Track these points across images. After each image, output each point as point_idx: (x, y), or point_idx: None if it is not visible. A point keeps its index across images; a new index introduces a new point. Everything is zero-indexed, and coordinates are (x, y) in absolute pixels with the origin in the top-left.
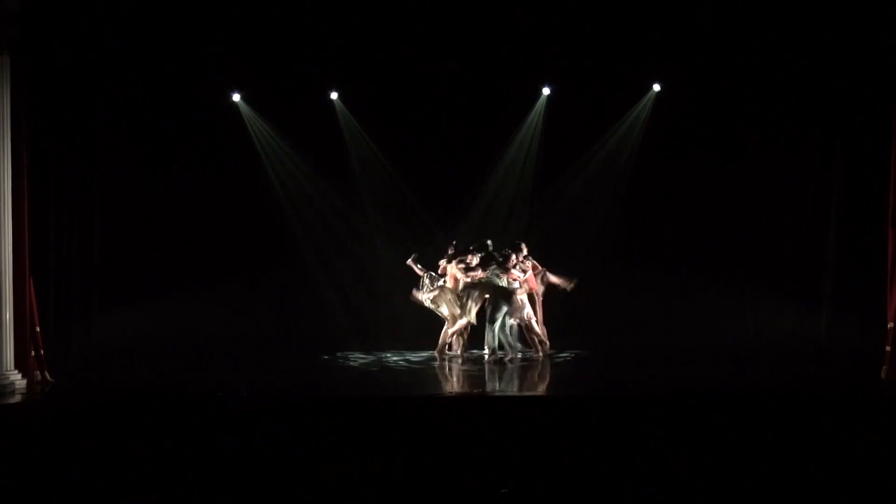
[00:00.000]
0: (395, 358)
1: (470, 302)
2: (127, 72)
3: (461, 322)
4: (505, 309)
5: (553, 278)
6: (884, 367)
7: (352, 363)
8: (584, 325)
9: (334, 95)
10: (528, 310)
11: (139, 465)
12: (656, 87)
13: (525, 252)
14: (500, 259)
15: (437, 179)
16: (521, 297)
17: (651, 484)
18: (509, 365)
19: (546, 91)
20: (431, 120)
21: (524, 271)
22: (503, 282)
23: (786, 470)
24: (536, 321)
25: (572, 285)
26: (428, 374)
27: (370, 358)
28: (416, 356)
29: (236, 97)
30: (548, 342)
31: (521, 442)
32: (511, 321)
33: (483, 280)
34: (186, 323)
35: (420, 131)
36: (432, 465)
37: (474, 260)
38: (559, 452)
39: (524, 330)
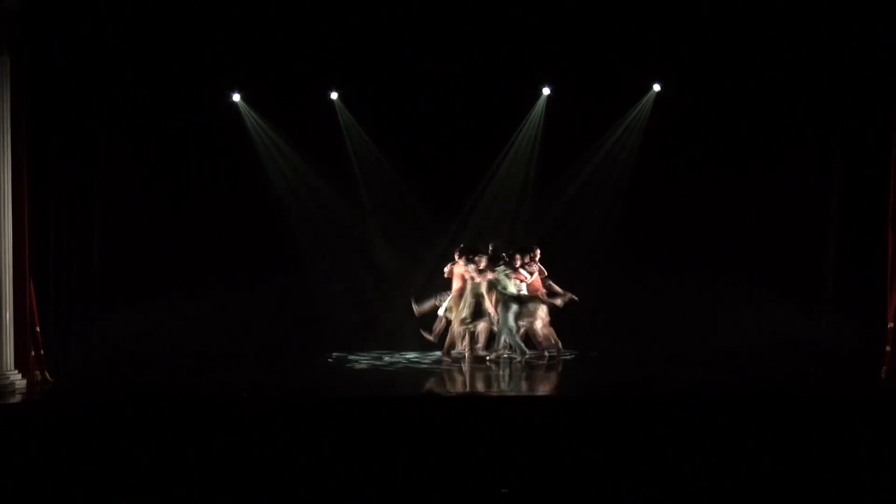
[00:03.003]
0: (401, 357)
1: (486, 303)
2: (127, 72)
3: (483, 323)
4: (514, 310)
5: (555, 288)
6: (884, 367)
7: (353, 364)
8: (585, 326)
9: (334, 95)
10: (541, 313)
11: (139, 465)
12: (656, 87)
13: (538, 255)
14: (507, 260)
15: (437, 179)
16: (531, 301)
17: (651, 484)
18: (518, 366)
19: (546, 91)
20: (431, 120)
21: (531, 273)
22: (511, 284)
23: (786, 470)
24: (544, 324)
25: (566, 300)
26: (433, 374)
27: (370, 359)
28: (418, 356)
29: (236, 97)
30: (559, 343)
31: (521, 442)
32: (521, 323)
33: (495, 281)
34: (186, 323)
35: (420, 131)
36: (432, 465)
37: (482, 262)
38: (559, 452)
39: (529, 333)
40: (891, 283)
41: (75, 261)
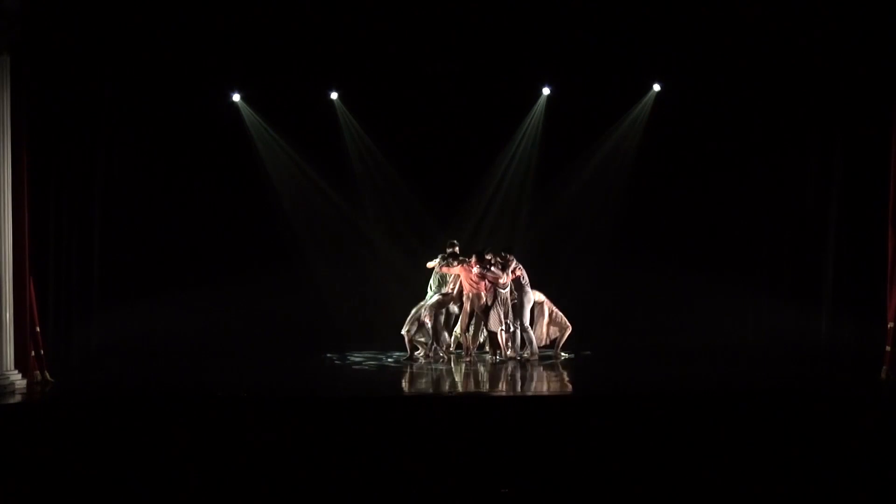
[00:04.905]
0: (400, 357)
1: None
2: (127, 72)
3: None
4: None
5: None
6: (884, 367)
7: (354, 364)
8: (585, 326)
9: (334, 95)
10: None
11: (139, 465)
12: (656, 87)
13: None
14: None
15: (437, 179)
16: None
17: (651, 484)
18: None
19: (546, 91)
20: (431, 120)
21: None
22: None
23: (786, 470)
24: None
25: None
26: (433, 374)
27: (370, 359)
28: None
29: (236, 97)
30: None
31: (521, 442)
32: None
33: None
34: (186, 323)
35: (420, 131)
36: (432, 465)
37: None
38: (559, 452)
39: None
40: (891, 283)
41: (75, 261)
